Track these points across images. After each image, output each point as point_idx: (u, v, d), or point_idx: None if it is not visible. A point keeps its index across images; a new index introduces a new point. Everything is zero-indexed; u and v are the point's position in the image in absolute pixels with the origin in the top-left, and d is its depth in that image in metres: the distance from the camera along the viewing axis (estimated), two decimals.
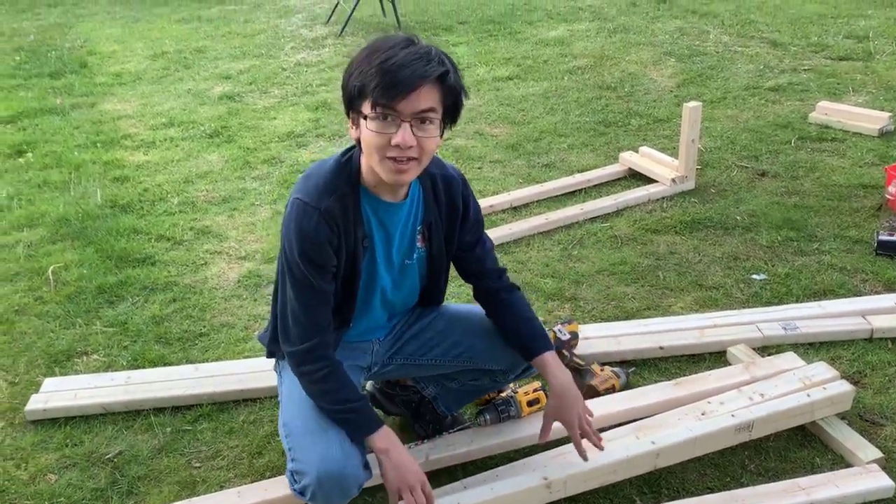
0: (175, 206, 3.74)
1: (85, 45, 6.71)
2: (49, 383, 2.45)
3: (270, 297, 1.82)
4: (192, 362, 2.58)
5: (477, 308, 2.01)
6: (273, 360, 2.02)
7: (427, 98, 1.57)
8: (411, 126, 1.58)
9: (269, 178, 4.04)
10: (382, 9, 7.09)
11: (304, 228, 1.68)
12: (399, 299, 1.94)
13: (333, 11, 7.07)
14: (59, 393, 2.40)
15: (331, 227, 1.69)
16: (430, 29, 6.69)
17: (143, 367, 2.55)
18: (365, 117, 1.59)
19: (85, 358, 2.65)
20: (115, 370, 2.56)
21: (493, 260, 1.98)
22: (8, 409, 2.41)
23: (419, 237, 1.84)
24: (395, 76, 1.53)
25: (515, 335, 1.92)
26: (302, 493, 1.69)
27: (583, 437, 1.83)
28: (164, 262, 3.24)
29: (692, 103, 3.47)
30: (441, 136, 1.66)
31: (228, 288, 3.04)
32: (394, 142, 1.58)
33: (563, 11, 7.06)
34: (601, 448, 1.86)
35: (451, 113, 1.64)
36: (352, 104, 1.63)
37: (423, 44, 1.59)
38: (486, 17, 6.99)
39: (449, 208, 1.84)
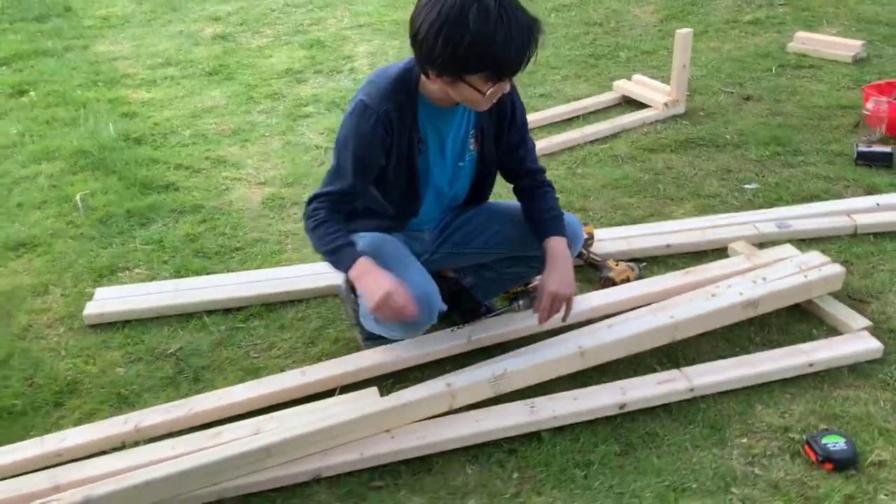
0: (187, 139, 3.86)
1: None
2: (101, 292, 2.61)
3: (303, 216, 2.05)
4: (232, 272, 2.75)
5: (515, 203, 2.21)
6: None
7: None
8: None
9: (274, 111, 4.16)
10: None
11: (361, 127, 1.90)
12: (450, 196, 2.15)
13: None
14: (113, 300, 2.56)
15: (386, 130, 1.90)
16: None
17: (187, 278, 2.72)
18: (470, 85, 1.77)
19: (128, 272, 2.80)
20: (160, 281, 2.72)
21: (534, 160, 2.18)
22: (65, 315, 2.56)
23: (472, 141, 2.04)
24: (511, 63, 1.73)
25: (535, 220, 2.12)
26: None
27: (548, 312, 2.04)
28: (186, 187, 3.38)
29: (683, 30, 3.67)
30: None
31: (254, 209, 3.19)
32: (505, 90, 1.82)
33: None
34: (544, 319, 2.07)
35: None
36: (448, 70, 1.76)
37: (514, 8, 1.71)
38: None
39: (499, 112, 2.02)
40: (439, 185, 2.10)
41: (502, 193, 2.35)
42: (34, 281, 2.75)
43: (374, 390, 2.07)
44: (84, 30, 5.59)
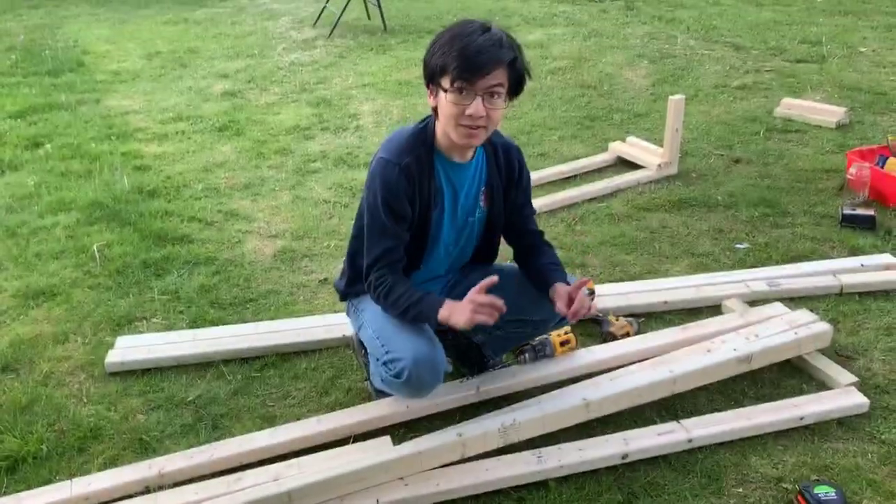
0: (200, 192, 4.00)
1: (77, 44, 6.88)
2: (122, 340, 2.71)
3: (367, 289, 2.13)
4: (247, 323, 2.85)
5: (512, 267, 2.36)
6: (345, 303, 2.38)
7: (499, 76, 1.91)
8: (482, 99, 1.92)
9: (283, 166, 4.31)
10: (367, 13, 7.41)
11: (387, 180, 2.03)
12: (457, 252, 2.28)
13: (320, 15, 7.36)
14: (133, 348, 2.66)
15: (408, 181, 2.04)
16: (415, 32, 7.03)
17: (204, 328, 2.82)
18: (444, 90, 1.93)
19: (146, 322, 2.90)
20: (178, 331, 2.82)
21: (535, 222, 2.34)
22: (86, 363, 2.66)
23: (482, 197, 2.19)
24: (474, 58, 1.87)
25: (540, 274, 2.22)
26: (397, 376, 2.03)
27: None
28: (200, 240, 3.50)
29: (676, 96, 3.87)
30: (505, 107, 2.00)
31: (266, 262, 3.31)
32: (468, 112, 1.92)
33: (539, 17, 7.46)
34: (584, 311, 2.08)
35: (514, 89, 1.98)
36: (433, 78, 1.97)
37: (497, 30, 1.92)
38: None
39: (507, 171, 2.18)
40: (448, 240, 2.23)
41: (506, 255, 2.48)
42: (55, 329, 2.85)
43: (387, 439, 2.16)
44: (96, 84, 5.78)
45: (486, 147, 2.14)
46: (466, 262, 2.36)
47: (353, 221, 2.27)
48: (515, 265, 2.37)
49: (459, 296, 2.31)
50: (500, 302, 1.96)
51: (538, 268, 2.26)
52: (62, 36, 7.20)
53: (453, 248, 2.27)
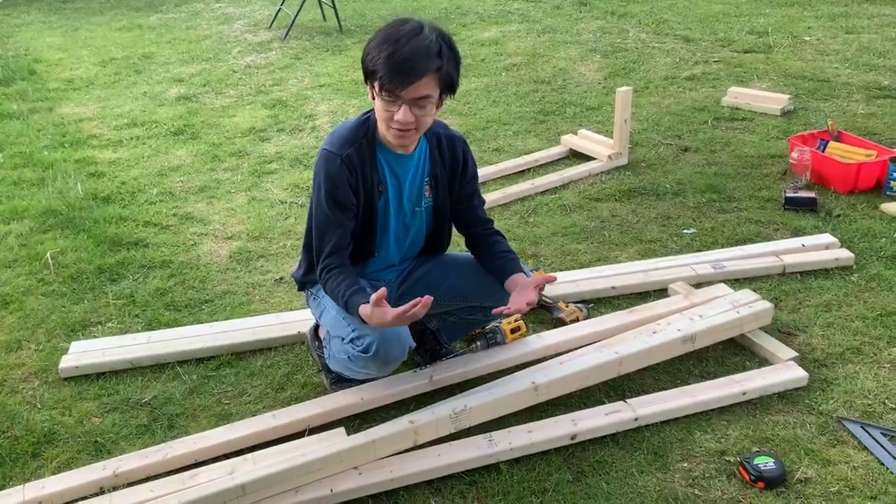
0: (155, 196, 3.99)
1: (28, 53, 6.79)
2: (77, 345, 2.71)
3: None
4: (203, 324, 2.86)
5: (466, 256, 2.41)
6: (303, 293, 2.46)
7: (425, 87, 1.95)
8: (410, 107, 1.97)
9: (238, 169, 4.32)
10: (323, 14, 7.41)
11: (329, 171, 2.09)
12: (408, 242, 2.33)
13: (275, 17, 7.34)
14: (88, 352, 2.66)
15: (350, 171, 2.09)
16: (371, 31, 6.98)
17: (159, 330, 2.83)
18: (373, 89, 1.99)
19: (100, 326, 2.90)
20: (133, 334, 2.82)
21: (484, 212, 2.39)
22: (39, 369, 2.65)
23: (427, 188, 2.24)
24: (398, 69, 1.90)
25: (494, 263, 2.28)
26: (365, 350, 2.10)
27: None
28: (155, 244, 3.50)
29: (623, 88, 3.95)
30: (438, 108, 2.05)
31: (222, 263, 3.32)
32: (396, 118, 1.99)
33: (494, 14, 7.53)
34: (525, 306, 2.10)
35: (447, 90, 2.03)
36: (366, 78, 2.01)
37: (428, 32, 1.93)
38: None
39: (451, 162, 2.23)
40: (398, 229, 2.28)
41: (459, 243, 2.53)
42: (7, 337, 2.83)
43: (341, 430, 2.20)
44: (49, 92, 5.72)
45: (429, 138, 2.19)
46: (420, 249, 2.40)
47: None
48: (468, 253, 2.41)
49: (412, 285, 2.38)
50: (422, 302, 1.93)
51: (491, 257, 2.31)
52: (13, 45, 7.09)
53: (403, 238, 2.32)
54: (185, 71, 6.13)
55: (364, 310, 2.00)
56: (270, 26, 7.31)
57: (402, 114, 1.97)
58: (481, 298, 2.36)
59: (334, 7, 6.97)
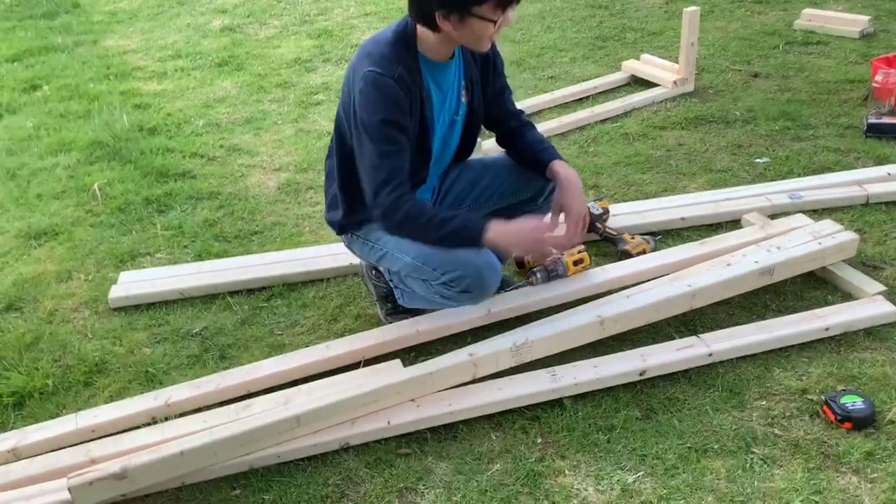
0: (201, 128, 3.90)
1: None
2: (126, 275, 2.66)
3: (380, 214, 1.98)
4: (253, 254, 2.78)
5: (497, 156, 2.31)
6: (343, 237, 2.28)
7: None
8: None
9: (285, 100, 4.19)
10: None
11: (386, 95, 1.89)
12: (446, 158, 2.20)
13: None
14: (137, 283, 2.61)
15: (404, 91, 1.91)
16: None
17: (209, 260, 2.76)
18: (483, 18, 1.82)
19: (149, 257, 2.85)
20: (182, 264, 2.76)
21: (514, 104, 2.26)
22: (90, 299, 2.61)
23: (464, 92, 2.09)
24: None
25: (529, 154, 2.20)
26: (466, 290, 2.03)
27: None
28: (203, 175, 3.42)
29: (691, 8, 3.68)
30: None
31: (271, 194, 3.23)
32: (507, 23, 1.86)
33: None
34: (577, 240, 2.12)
35: None
36: (462, 7, 1.81)
37: None
38: None
39: (483, 60, 2.09)
40: (438, 144, 2.13)
41: None
42: (58, 268, 2.80)
43: (397, 362, 2.11)
44: (93, 25, 5.64)
45: None
46: (447, 165, 2.27)
47: None
48: (493, 155, 2.31)
49: (444, 199, 2.29)
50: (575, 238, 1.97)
51: (524, 149, 2.21)
52: None
53: (442, 153, 2.18)
54: (229, 1, 5.98)
55: (491, 234, 1.92)
56: None
57: (512, 15, 1.86)
58: (517, 192, 2.28)
59: None
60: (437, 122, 2.07)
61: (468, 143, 2.23)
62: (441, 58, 1.99)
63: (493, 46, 2.10)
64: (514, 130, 2.23)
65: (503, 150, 2.32)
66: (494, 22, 1.83)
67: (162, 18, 5.72)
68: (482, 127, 2.28)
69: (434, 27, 1.88)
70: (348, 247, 2.29)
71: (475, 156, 2.36)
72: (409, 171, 2.00)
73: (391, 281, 2.25)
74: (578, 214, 2.09)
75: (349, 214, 2.18)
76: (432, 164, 2.15)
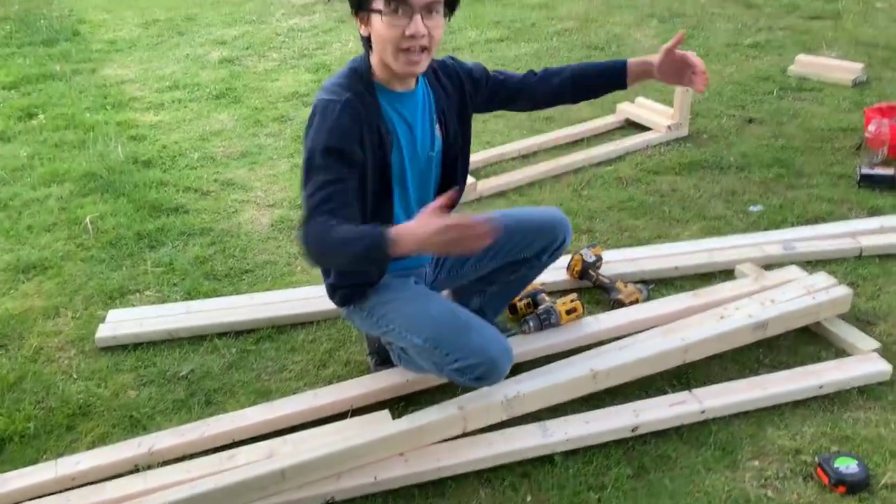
0: (196, 161, 3.89)
1: (72, 13, 6.74)
2: (114, 314, 2.62)
3: (300, 239, 1.77)
4: (242, 294, 2.76)
5: (496, 212, 2.18)
6: (344, 308, 2.14)
7: None
8: (421, 16, 1.74)
9: (281, 134, 4.19)
10: None
11: (329, 119, 1.76)
12: (426, 194, 2.04)
13: None
14: (125, 322, 2.57)
15: (353, 118, 1.77)
16: None
17: (198, 300, 2.73)
18: (378, 12, 1.73)
19: (139, 294, 2.82)
20: (171, 303, 2.73)
21: (516, 74, 2.16)
22: (76, 338, 2.57)
23: (437, 126, 1.99)
24: None
25: (599, 78, 2.13)
26: (480, 378, 1.90)
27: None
28: (196, 210, 3.40)
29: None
30: (445, 24, 1.82)
31: (263, 231, 3.21)
32: (408, 32, 1.74)
33: None
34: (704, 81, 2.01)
35: (451, 4, 1.82)
36: (362, 3, 1.76)
37: None
38: None
39: (453, 85, 2.00)
40: (416, 182, 2.01)
41: None
42: (45, 304, 2.76)
43: (385, 413, 2.08)
44: (92, 53, 5.66)
45: (424, 72, 1.91)
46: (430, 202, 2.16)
47: None
48: (492, 211, 2.22)
49: (445, 261, 2.21)
50: (472, 219, 1.59)
51: (589, 81, 2.14)
52: (58, 5, 7.05)
53: (423, 191, 2.05)
54: (228, 33, 6.01)
55: (398, 247, 1.62)
56: None
57: (414, 25, 1.72)
58: (519, 251, 2.18)
59: None
60: (407, 158, 1.95)
61: (451, 179, 2.08)
62: (401, 86, 1.90)
63: (458, 70, 2.01)
64: (551, 81, 2.13)
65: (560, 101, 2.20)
66: (381, 13, 1.72)
67: (161, 48, 5.74)
68: (522, 107, 2.23)
69: (368, 46, 1.82)
70: (347, 317, 2.18)
71: (470, 196, 2.32)
72: (369, 206, 1.89)
73: (389, 344, 2.21)
74: (697, 65, 2.00)
75: (341, 275, 2.06)
76: (414, 204, 2.03)
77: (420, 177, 2.02)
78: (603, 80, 2.15)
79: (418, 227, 1.62)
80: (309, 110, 1.85)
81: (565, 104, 2.24)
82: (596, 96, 2.24)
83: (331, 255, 1.78)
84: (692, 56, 2.03)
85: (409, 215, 1.98)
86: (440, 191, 2.07)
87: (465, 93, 2.04)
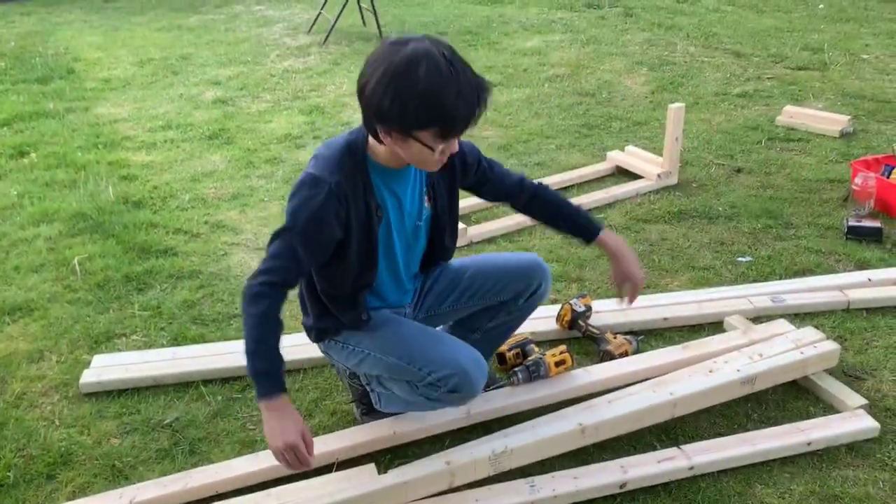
0: (186, 203, 3.89)
1: (68, 51, 6.77)
2: (99, 359, 2.60)
3: (244, 289, 1.86)
4: (230, 341, 2.74)
5: (477, 257, 2.32)
6: (320, 344, 2.19)
7: None
8: None
9: (273, 176, 4.20)
10: (363, 19, 7.31)
11: (312, 201, 1.80)
12: (413, 260, 2.13)
13: (315, 21, 7.26)
14: (110, 367, 2.54)
15: (339, 201, 1.82)
16: None
17: (185, 346, 2.71)
18: (421, 142, 1.74)
19: (125, 338, 2.79)
20: (158, 349, 2.70)
21: (509, 176, 2.20)
22: (60, 383, 2.54)
23: (426, 198, 2.04)
24: (462, 119, 1.71)
25: (566, 224, 2.23)
26: (453, 390, 1.95)
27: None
28: (185, 252, 3.39)
29: (676, 105, 3.77)
30: None
31: None
32: (448, 153, 1.82)
33: (537, 24, 7.37)
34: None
35: None
36: (404, 128, 1.72)
37: (463, 65, 1.71)
38: (463, 28, 7.26)
39: (449, 167, 1.99)
40: (403, 249, 2.06)
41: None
42: (30, 347, 2.73)
43: (371, 467, 2.05)
44: (86, 92, 5.68)
45: None
46: (417, 268, 2.21)
47: None
48: (473, 256, 2.31)
49: (424, 301, 2.25)
50: (309, 461, 1.80)
51: (556, 216, 2.24)
52: (53, 43, 7.09)
53: (409, 257, 2.11)
54: (223, 73, 6.06)
55: (271, 404, 1.78)
56: (310, 31, 7.23)
57: (453, 145, 1.80)
58: (496, 294, 2.23)
59: (374, 12, 6.86)
60: (395, 229, 2.01)
61: (437, 246, 2.16)
62: (394, 165, 1.92)
63: (457, 153, 2.00)
64: (530, 202, 2.21)
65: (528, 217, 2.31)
66: (434, 149, 1.76)
67: (155, 87, 5.78)
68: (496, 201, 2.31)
69: (379, 140, 1.81)
70: (325, 353, 2.21)
71: (461, 241, 2.34)
72: (357, 276, 1.97)
73: (368, 385, 2.21)
74: (636, 286, 2.19)
75: (320, 318, 2.09)
76: (402, 269, 2.10)
77: (407, 244, 2.08)
78: (573, 234, 2.25)
79: (278, 424, 1.77)
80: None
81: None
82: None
83: (244, 317, 1.83)
84: (636, 284, 2.21)
85: (395, 279, 2.09)
86: (428, 254, 2.17)
87: (456, 173, 2.07)
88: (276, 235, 1.87)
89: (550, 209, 2.24)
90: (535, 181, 2.25)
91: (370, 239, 1.94)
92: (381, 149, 1.85)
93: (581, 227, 2.22)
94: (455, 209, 2.13)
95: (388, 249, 2.03)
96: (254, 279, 1.83)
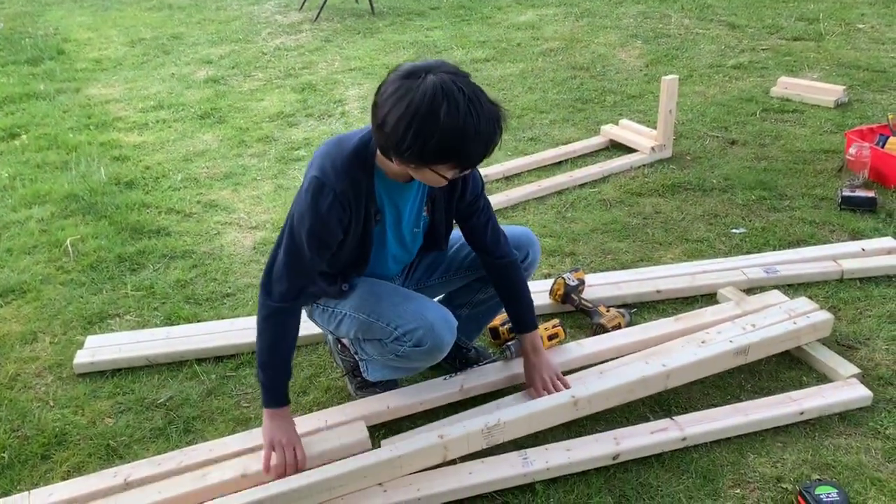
0: (179, 182, 3.87)
1: (58, 32, 6.72)
2: (92, 340, 2.59)
3: (261, 299, 1.99)
4: (223, 319, 2.74)
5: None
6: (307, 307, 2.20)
7: None
8: None
9: (265, 155, 4.18)
10: None
11: (318, 206, 1.83)
12: (407, 258, 2.19)
13: None
14: (104, 348, 2.54)
15: (343, 208, 1.86)
16: (404, 14, 6.88)
17: (178, 325, 2.71)
18: (437, 172, 1.75)
19: (118, 319, 2.79)
20: (151, 328, 2.70)
21: (492, 234, 2.13)
22: (54, 364, 2.54)
23: (425, 209, 2.07)
24: (480, 155, 1.72)
25: (513, 312, 2.24)
26: (418, 344, 1.96)
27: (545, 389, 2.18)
28: (178, 232, 3.38)
29: (669, 77, 3.74)
30: None
31: (246, 254, 3.19)
32: (457, 177, 1.82)
33: None
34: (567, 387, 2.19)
35: None
36: (422, 159, 1.71)
37: (479, 99, 1.68)
38: (456, 2, 7.20)
39: (449, 185, 1.96)
40: (396, 251, 2.11)
41: None
42: (23, 328, 2.73)
43: (361, 424, 2.08)
44: (76, 73, 5.64)
45: None
46: (408, 262, 2.26)
47: None
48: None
49: (413, 273, 2.28)
50: (297, 464, 1.96)
51: (506, 301, 2.23)
52: (43, 24, 7.03)
53: (402, 256, 2.16)
54: (214, 52, 6.01)
55: (272, 412, 1.98)
56: (301, 8, 7.16)
57: (468, 172, 1.84)
58: (478, 268, 2.23)
59: None
60: (390, 233, 2.04)
61: (433, 245, 2.19)
62: (401, 180, 1.94)
63: (466, 176, 2.02)
64: (493, 268, 2.17)
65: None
66: (448, 179, 1.79)
67: (147, 67, 5.73)
68: None
69: (390, 159, 1.81)
70: (310, 317, 2.22)
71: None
72: (347, 261, 2.02)
73: (357, 354, 2.21)
74: (537, 391, 2.17)
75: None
76: (391, 264, 2.13)
77: (402, 246, 2.12)
78: (513, 319, 2.26)
79: (277, 428, 1.96)
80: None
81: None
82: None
83: (258, 330, 2.00)
84: (537, 390, 2.19)
85: (384, 268, 2.13)
86: (423, 249, 2.20)
87: (456, 193, 2.06)
88: (282, 241, 1.93)
89: (511, 289, 2.19)
90: (516, 258, 2.17)
91: (365, 239, 1.99)
92: (390, 164, 1.85)
93: (523, 318, 2.22)
94: (452, 218, 2.13)
95: (381, 248, 2.07)
96: (269, 297, 1.95)
